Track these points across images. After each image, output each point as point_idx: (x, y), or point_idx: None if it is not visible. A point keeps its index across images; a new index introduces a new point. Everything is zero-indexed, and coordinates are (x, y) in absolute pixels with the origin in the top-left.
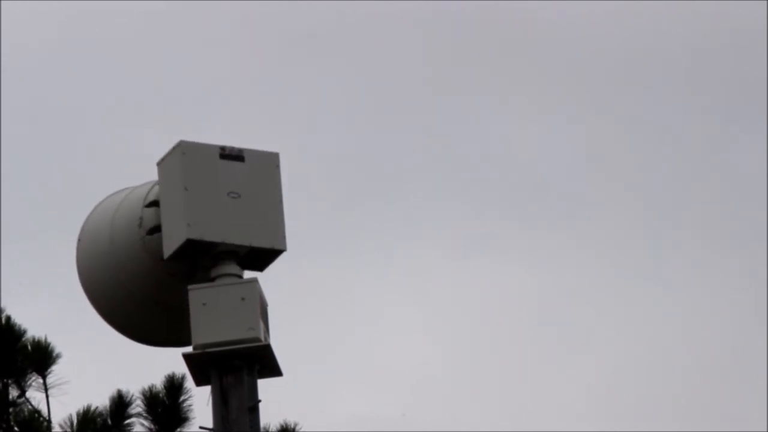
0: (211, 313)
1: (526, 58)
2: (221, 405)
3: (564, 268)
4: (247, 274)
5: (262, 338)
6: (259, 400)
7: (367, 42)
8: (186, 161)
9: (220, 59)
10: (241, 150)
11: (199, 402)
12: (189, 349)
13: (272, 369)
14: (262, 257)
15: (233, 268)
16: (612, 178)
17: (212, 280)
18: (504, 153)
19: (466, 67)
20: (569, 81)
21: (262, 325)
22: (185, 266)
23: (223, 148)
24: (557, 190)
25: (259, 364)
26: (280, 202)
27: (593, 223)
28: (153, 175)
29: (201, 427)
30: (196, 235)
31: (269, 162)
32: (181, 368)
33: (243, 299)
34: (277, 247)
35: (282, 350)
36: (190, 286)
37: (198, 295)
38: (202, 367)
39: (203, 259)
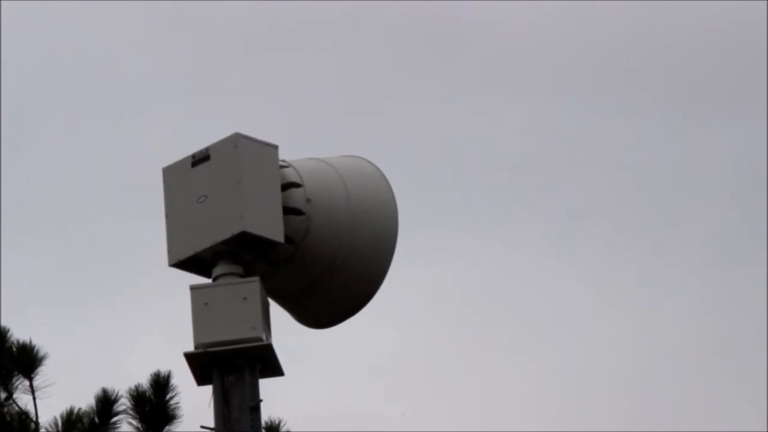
0: (212, 312)
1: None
2: (223, 404)
3: (524, 264)
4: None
5: (264, 338)
6: (261, 400)
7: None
8: (167, 187)
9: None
10: (207, 149)
11: (186, 400)
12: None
13: (273, 368)
14: (260, 244)
15: (234, 268)
16: (572, 171)
17: (214, 279)
18: (465, 146)
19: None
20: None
21: (263, 324)
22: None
23: (193, 156)
24: (511, 181)
25: (261, 363)
26: (239, 182)
27: (551, 216)
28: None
29: (202, 427)
30: (174, 260)
31: (229, 146)
32: (166, 366)
33: (245, 299)
34: (234, 232)
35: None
36: (191, 285)
37: (200, 295)
38: (203, 366)
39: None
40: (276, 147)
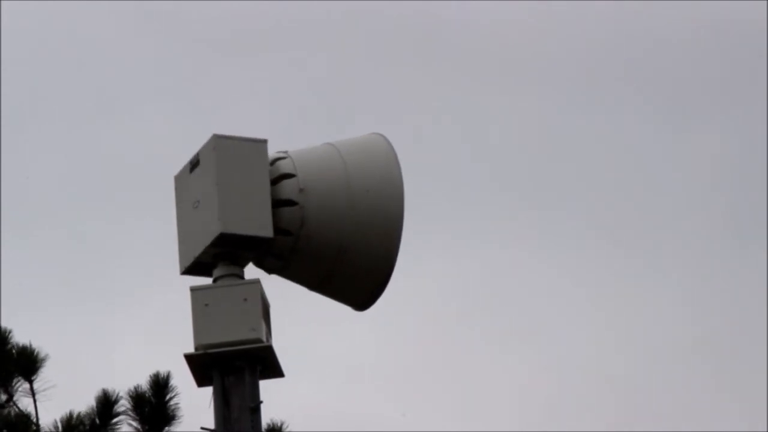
0: (213, 313)
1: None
2: (223, 405)
3: (507, 261)
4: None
5: (264, 339)
6: (261, 401)
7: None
8: (177, 195)
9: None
10: (198, 154)
11: (186, 401)
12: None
13: (274, 370)
14: (251, 242)
15: (232, 268)
16: (568, 171)
17: (214, 281)
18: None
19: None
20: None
21: (263, 325)
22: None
23: (190, 162)
24: (505, 180)
25: (261, 364)
26: (216, 184)
27: (542, 216)
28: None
29: (202, 428)
30: (182, 268)
31: (210, 149)
32: (166, 367)
33: (245, 300)
34: (215, 234)
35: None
36: (192, 286)
37: (200, 296)
38: (203, 367)
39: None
40: (264, 141)
